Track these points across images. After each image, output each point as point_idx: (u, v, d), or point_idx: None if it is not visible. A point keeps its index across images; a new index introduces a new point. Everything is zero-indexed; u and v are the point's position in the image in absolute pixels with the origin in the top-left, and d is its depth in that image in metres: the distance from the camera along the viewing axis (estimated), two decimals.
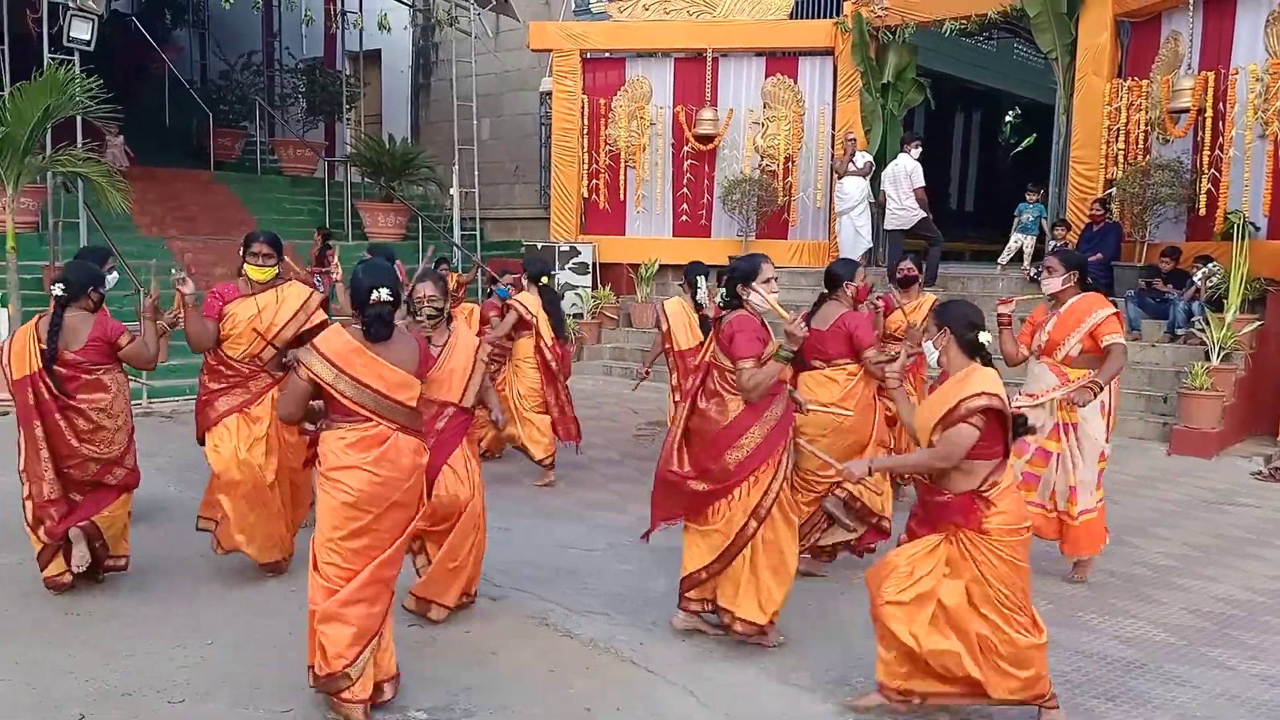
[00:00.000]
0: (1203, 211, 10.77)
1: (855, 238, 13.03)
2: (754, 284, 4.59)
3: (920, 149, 12.30)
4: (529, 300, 7.74)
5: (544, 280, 7.94)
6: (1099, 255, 11.20)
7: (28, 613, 4.88)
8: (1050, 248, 12.08)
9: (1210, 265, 9.99)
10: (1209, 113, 10.61)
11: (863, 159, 13.00)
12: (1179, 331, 10.18)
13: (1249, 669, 4.66)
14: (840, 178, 13.02)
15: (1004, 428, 3.85)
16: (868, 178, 12.97)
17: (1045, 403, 5.65)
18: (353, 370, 3.86)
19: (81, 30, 11.32)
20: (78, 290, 5.07)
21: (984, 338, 3.92)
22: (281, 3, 18.64)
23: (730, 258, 13.71)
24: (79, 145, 11.05)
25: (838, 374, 5.49)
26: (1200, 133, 10.77)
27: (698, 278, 7.56)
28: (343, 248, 14.81)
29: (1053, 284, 5.73)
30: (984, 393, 3.79)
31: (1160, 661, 4.71)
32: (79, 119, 11.17)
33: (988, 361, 3.94)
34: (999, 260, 12.91)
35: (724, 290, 4.72)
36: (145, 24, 19.25)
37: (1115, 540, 6.48)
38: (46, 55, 11.18)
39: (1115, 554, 6.10)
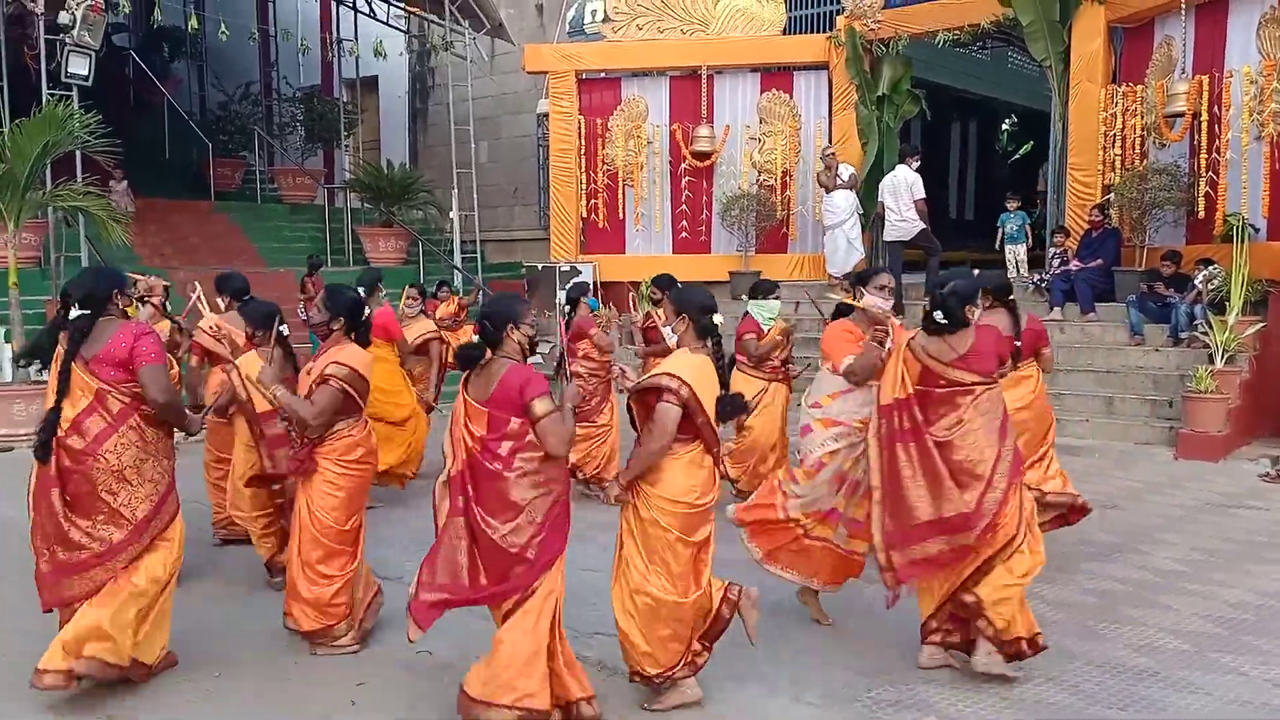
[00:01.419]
0: (1202, 214, 10.77)
1: (849, 249, 13.05)
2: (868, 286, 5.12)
3: (919, 161, 12.32)
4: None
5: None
6: (1099, 261, 11.22)
7: (35, 642, 4.86)
8: (1049, 254, 12.10)
9: (1210, 268, 9.99)
10: (1204, 116, 10.62)
11: (847, 171, 13.04)
12: (1182, 335, 10.16)
13: (1262, 674, 4.63)
14: (829, 192, 13.05)
15: (692, 411, 4.06)
16: (854, 189, 13.01)
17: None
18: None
19: (79, 66, 11.40)
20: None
21: (717, 318, 4.22)
22: (278, 33, 18.78)
23: (731, 273, 13.80)
24: (79, 180, 11.11)
25: None
26: (1196, 136, 10.79)
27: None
28: (343, 274, 14.90)
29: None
30: (667, 373, 4.09)
31: (1172, 669, 4.68)
32: (79, 154, 11.24)
33: (719, 343, 4.25)
34: (1018, 274, 12.73)
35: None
36: (143, 58, 19.39)
37: (1125, 547, 6.48)
38: (45, 91, 11.25)
39: (1125, 561, 6.07)
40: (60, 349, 4.39)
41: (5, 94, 11.50)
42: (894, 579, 4.52)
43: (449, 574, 3.93)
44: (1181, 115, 10.74)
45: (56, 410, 4.29)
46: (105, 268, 4.94)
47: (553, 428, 3.84)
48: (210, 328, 5.92)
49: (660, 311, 7.65)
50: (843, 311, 5.43)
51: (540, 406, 3.83)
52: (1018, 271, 12.56)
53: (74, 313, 4.34)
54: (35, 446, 4.31)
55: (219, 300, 6.54)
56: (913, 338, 4.61)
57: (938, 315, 4.48)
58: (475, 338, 3.99)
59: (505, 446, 3.88)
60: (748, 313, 7.39)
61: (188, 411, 4.68)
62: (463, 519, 3.91)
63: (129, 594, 4.28)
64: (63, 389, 4.30)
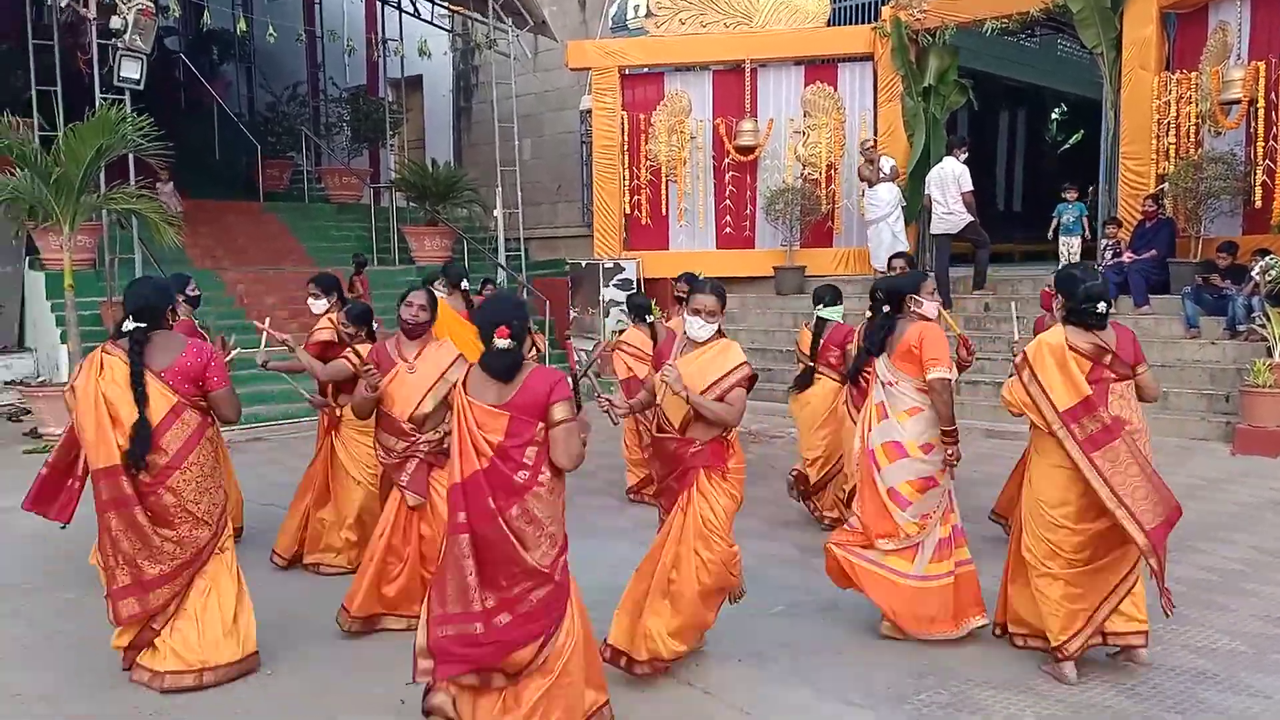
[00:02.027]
0: (1258, 204, 10.53)
1: (893, 242, 12.92)
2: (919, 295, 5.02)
3: (967, 153, 12.16)
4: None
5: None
6: (1153, 252, 11.01)
7: (88, 642, 4.94)
8: (1101, 246, 11.89)
9: (1268, 259, 9.75)
10: (1261, 103, 10.38)
11: (888, 164, 12.90)
12: (1239, 328, 9.94)
13: None
14: (871, 186, 12.91)
15: None
16: (897, 182, 12.87)
17: None
18: None
19: (131, 70, 11.57)
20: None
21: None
22: (324, 34, 19.00)
23: (775, 268, 13.72)
24: (132, 183, 11.30)
25: None
26: (1253, 124, 10.55)
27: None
28: (388, 272, 15.04)
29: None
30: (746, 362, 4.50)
31: (1232, 671, 4.58)
32: (131, 157, 11.42)
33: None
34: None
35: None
36: (193, 60, 19.69)
37: (1182, 546, 6.33)
38: (98, 95, 11.45)
39: (1182, 560, 5.94)
40: (105, 360, 4.40)
41: (60, 99, 11.71)
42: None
43: (461, 601, 3.65)
44: (1237, 102, 10.50)
45: (145, 421, 4.32)
46: (160, 279, 5.01)
47: (568, 437, 3.70)
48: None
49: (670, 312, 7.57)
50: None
51: (561, 411, 3.70)
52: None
53: (129, 324, 4.40)
54: (133, 457, 4.30)
55: (322, 301, 6.46)
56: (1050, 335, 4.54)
57: (1101, 307, 4.44)
58: (502, 342, 3.70)
59: (531, 453, 3.69)
60: (826, 320, 6.95)
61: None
62: (466, 535, 3.65)
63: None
64: (141, 399, 4.33)
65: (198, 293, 7.02)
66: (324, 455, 6.12)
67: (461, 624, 3.63)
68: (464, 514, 3.65)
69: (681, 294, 7.62)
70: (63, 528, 5.34)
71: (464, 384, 3.79)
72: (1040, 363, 4.43)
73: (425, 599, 3.80)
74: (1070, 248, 12.44)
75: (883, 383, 5.07)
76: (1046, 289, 5.13)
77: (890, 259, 8.63)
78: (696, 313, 4.52)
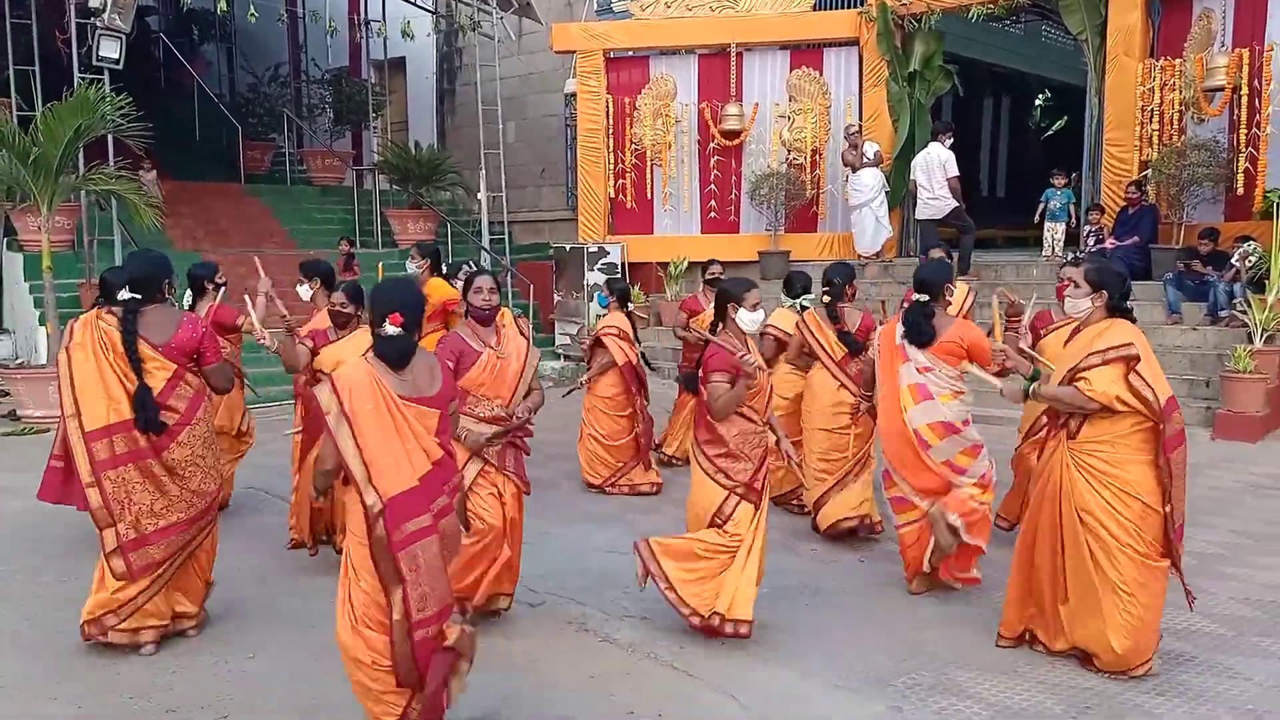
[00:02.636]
0: (1241, 191, 10.58)
1: (877, 227, 12.94)
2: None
3: (952, 139, 12.16)
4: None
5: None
6: (1136, 238, 11.05)
7: (72, 627, 4.92)
8: (1085, 232, 11.93)
9: (1247, 245, 9.80)
10: (1244, 90, 10.42)
11: (872, 149, 12.90)
12: (1220, 314, 10.00)
13: None
14: (855, 170, 12.91)
15: None
16: (881, 166, 12.87)
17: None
18: None
19: (110, 49, 11.45)
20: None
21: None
22: (306, 15, 18.81)
23: (760, 253, 13.71)
24: (111, 163, 11.18)
25: None
26: (1236, 111, 10.59)
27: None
28: (371, 255, 14.96)
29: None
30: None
31: (1211, 653, 4.62)
32: (110, 137, 11.31)
33: None
34: (1045, 255, 12.50)
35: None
36: (173, 40, 19.48)
37: None
38: (76, 75, 11.32)
39: None
40: (104, 329, 4.53)
41: (38, 78, 11.59)
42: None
43: (440, 593, 3.62)
44: (1221, 89, 10.54)
45: (147, 389, 4.49)
46: (158, 253, 5.00)
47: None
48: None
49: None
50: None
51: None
52: (1053, 251, 12.37)
53: (124, 294, 4.53)
54: (145, 421, 4.46)
55: (309, 285, 6.54)
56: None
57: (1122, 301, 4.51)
58: (392, 329, 3.56)
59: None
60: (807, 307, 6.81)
61: None
62: (435, 536, 3.58)
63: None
64: (138, 368, 4.49)
65: (224, 281, 7.05)
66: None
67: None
68: (429, 517, 3.55)
69: (714, 276, 7.52)
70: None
71: (380, 380, 3.56)
72: (1146, 354, 4.32)
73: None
74: (1055, 234, 12.44)
75: (917, 368, 5.19)
76: (1068, 281, 4.71)
77: (930, 249, 8.52)
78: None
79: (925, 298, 5.21)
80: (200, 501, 4.66)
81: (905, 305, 5.49)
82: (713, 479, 4.70)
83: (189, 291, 6.91)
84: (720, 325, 4.79)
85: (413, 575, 3.50)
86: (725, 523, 4.67)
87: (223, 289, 6.89)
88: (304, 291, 6.49)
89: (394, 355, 3.59)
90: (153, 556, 4.53)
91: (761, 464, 4.74)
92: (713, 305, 5.01)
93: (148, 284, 4.56)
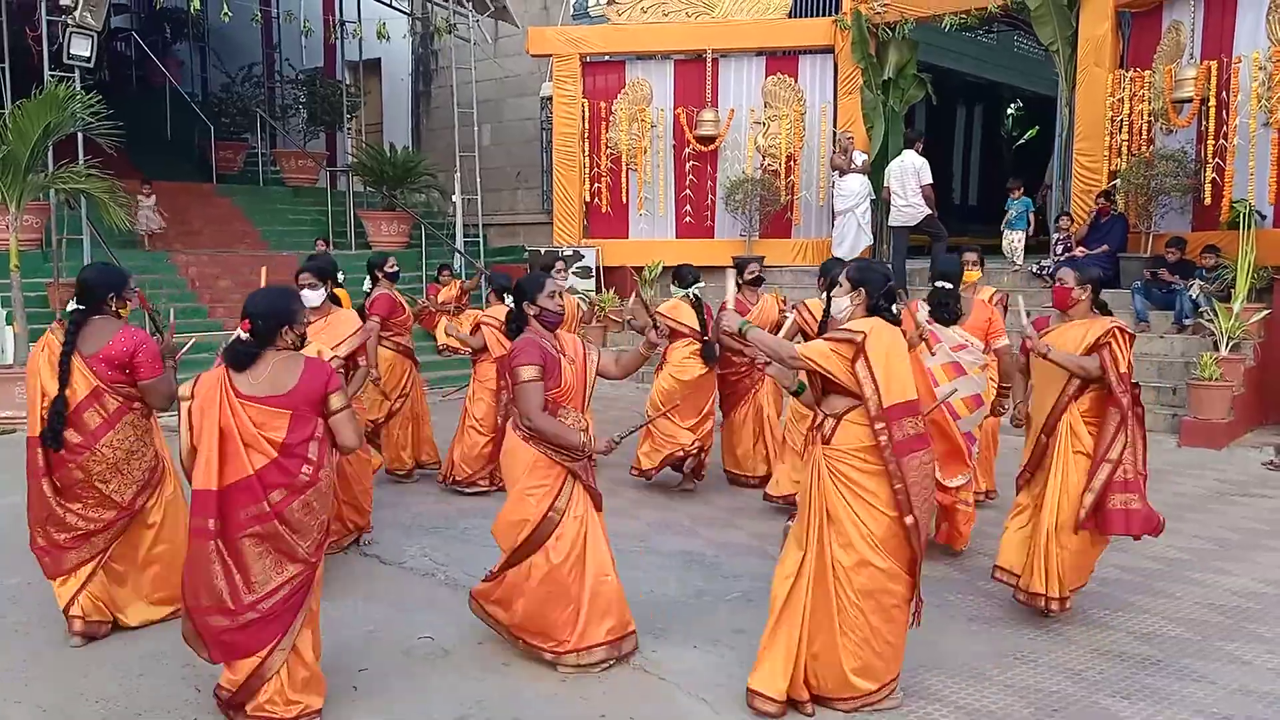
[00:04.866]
0: (1208, 201, 10.72)
1: (858, 233, 13.02)
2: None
3: (922, 146, 12.25)
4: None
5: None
6: (1104, 247, 11.18)
7: (42, 632, 4.87)
8: (1054, 239, 12.05)
9: (1201, 275, 9.96)
10: (1212, 102, 10.56)
11: (860, 157, 12.99)
12: (1186, 322, 10.13)
13: (1265, 663, 4.62)
14: (842, 175, 13.00)
15: None
16: (866, 174, 12.97)
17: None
18: None
19: (81, 47, 11.34)
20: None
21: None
22: (280, 14, 18.69)
23: (734, 258, 13.72)
24: (80, 162, 11.07)
25: None
26: (1204, 122, 10.73)
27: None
28: (345, 257, 14.87)
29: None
30: None
31: (1176, 657, 4.67)
32: (80, 136, 11.19)
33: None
34: (1013, 261, 12.57)
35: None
36: (145, 39, 19.30)
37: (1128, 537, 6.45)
38: (47, 73, 11.20)
39: (1128, 548, 6.05)
40: (49, 338, 4.64)
41: (7, 75, 11.45)
42: None
43: (211, 596, 3.74)
44: (1189, 101, 10.67)
45: (62, 399, 4.49)
46: (110, 266, 5.00)
47: (349, 421, 3.90)
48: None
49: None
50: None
51: (338, 400, 3.87)
52: (1012, 259, 12.47)
53: (70, 305, 4.61)
54: (47, 435, 4.49)
55: (320, 291, 6.38)
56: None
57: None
58: (243, 334, 3.79)
59: (314, 448, 3.79)
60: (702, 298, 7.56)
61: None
62: (215, 542, 3.71)
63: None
64: (64, 380, 4.50)
65: (396, 269, 7.64)
66: None
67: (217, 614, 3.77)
68: (214, 521, 3.70)
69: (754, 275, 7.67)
70: None
71: (229, 381, 3.77)
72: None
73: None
74: (1013, 242, 12.52)
75: (951, 346, 5.56)
76: (1064, 285, 5.09)
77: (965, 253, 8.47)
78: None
79: (949, 285, 5.91)
80: (87, 524, 4.63)
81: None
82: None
83: (368, 279, 7.64)
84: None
85: (198, 564, 3.74)
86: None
87: (395, 276, 7.60)
88: (313, 298, 6.28)
89: (231, 358, 3.79)
90: (53, 567, 4.68)
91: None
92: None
93: (91, 294, 4.60)
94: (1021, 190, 12.71)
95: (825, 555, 4.01)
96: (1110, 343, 4.83)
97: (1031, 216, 12.63)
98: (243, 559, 3.73)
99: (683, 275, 7.52)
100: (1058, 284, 5.16)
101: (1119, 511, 4.80)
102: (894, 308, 4.12)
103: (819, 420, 4.15)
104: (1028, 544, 5.04)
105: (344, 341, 5.62)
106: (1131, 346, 4.95)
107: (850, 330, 4.00)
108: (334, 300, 5.95)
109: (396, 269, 7.68)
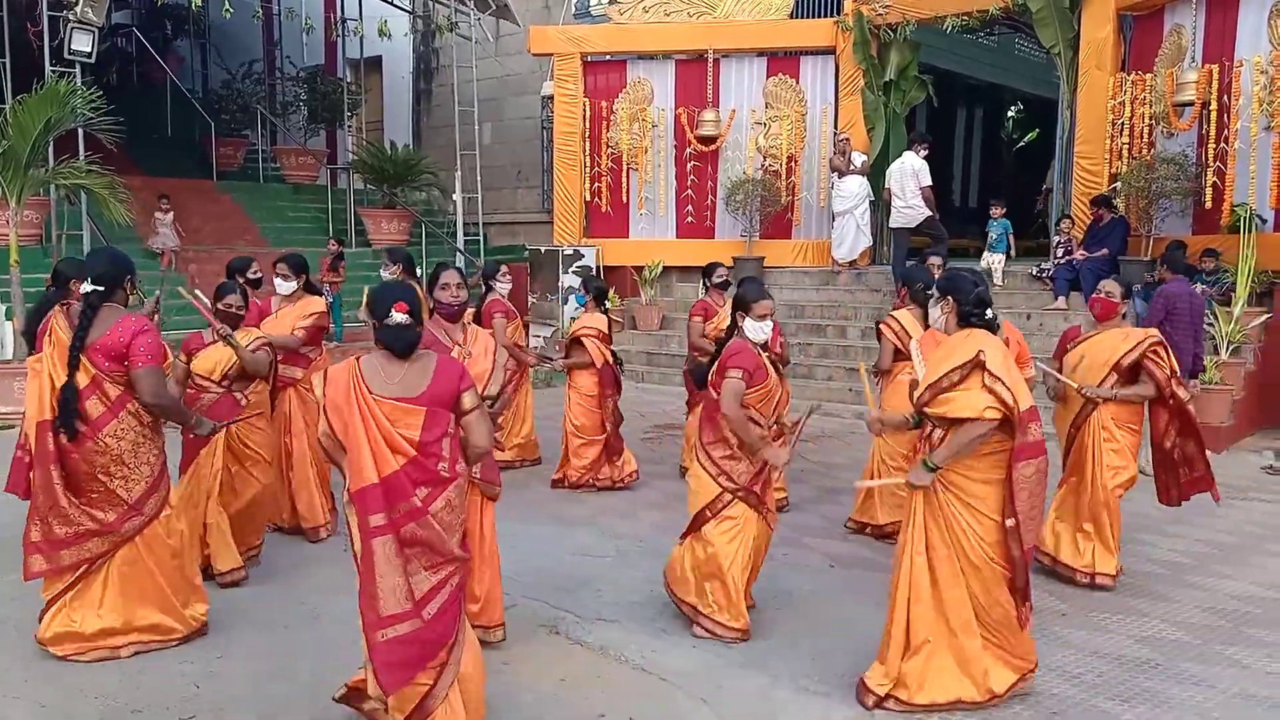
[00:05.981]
0: (1209, 204, 10.71)
1: (857, 235, 13.01)
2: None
3: (928, 149, 12.23)
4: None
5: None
6: (1105, 251, 11.17)
7: (35, 626, 4.85)
8: (1054, 243, 12.03)
9: (1199, 284, 9.93)
10: (1213, 106, 10.55)
11: (859, 158, 12.99)
12: None
13: (1265, 667, 4.63)
14: (841, 177, 12.99)
15: None
16: (865, 176, 12.96)
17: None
18: None
19: (82, 42, 11.33)
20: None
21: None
22: (281, 11, 18.69)
23: (735, 258, 13.75)
24: (81, 158, 11.06)
25: None
26: (1205, 126, 10.72)
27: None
28: (347, 254, 14.87)
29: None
30: None
31: (1176, 661, 4.68)
32: (81, 131, 11.18)
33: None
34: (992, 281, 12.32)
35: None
36: (146, 35, 19.28)
37: (1129, 539, 6.45)
38: (48, 68, 11.19)
39: (1129, 552, 6.06)
40: (54, 324, 4.51)
41: (8, 70, 11.43)
42: None
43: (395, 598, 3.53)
44: (1190, 104, 10.66)
45: (72, 387, 4.40)
46: (120, 252, 4.92)
47: (482, 421, 3.73)
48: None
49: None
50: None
51: (470, 399, 3.69)
52: (994, 280, 12.22)
53: (86, 287, 4.47)
54: (61, 425, 4.40)
55: (291, 282, 6.56)
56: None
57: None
58: (399, 316, 3.59)
59: (447, 445, 3.60)
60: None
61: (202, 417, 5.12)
62: (392, 536, 3.52)
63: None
64: (74, 367, 4.42)
65: (259, 275, 7.09)
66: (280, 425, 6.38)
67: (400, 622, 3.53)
68: (384, 515, 3.51)
69: (722, 279, 7.66)
70: None
71: (360, 380, 3.55)
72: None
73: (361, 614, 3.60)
74: (992, 264, 12.08)
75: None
76: (1110, 299, 5.77)
77: (929, 258, 8.38)
78: None
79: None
80: (90, 521, 4.47)
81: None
82: (714, 480, 4.77)
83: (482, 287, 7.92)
84: (737, 330, 4.89)
85: (377, 568, 3.50)
86: (717, 515, 4.76)
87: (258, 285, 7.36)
88: (284, 287, 6.48)
89: (400, 344, 3.59)
90: (43, 565, 4.51)
91: (763, 467, 4.78)
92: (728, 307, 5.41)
93: (111, 277, 4.50)
94: (1003, 211, 12.44)
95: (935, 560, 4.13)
96: (1152, 357, 5.54)
97: (1011, 238, 12.40)
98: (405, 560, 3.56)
99: (598, 286, 8.02)
100: (1103, 296, 5.66)
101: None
102: (988, 314, 4.17)
103: (928, 430, 4.23)
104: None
105: (305, 320, 6.34)
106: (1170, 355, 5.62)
107: (963, 362, 4.03)
108: (313, 291, 6.66)
109: (259, 275, 6.99)
